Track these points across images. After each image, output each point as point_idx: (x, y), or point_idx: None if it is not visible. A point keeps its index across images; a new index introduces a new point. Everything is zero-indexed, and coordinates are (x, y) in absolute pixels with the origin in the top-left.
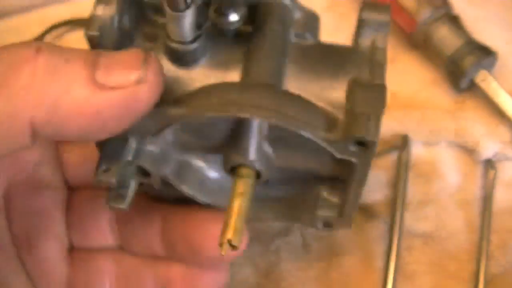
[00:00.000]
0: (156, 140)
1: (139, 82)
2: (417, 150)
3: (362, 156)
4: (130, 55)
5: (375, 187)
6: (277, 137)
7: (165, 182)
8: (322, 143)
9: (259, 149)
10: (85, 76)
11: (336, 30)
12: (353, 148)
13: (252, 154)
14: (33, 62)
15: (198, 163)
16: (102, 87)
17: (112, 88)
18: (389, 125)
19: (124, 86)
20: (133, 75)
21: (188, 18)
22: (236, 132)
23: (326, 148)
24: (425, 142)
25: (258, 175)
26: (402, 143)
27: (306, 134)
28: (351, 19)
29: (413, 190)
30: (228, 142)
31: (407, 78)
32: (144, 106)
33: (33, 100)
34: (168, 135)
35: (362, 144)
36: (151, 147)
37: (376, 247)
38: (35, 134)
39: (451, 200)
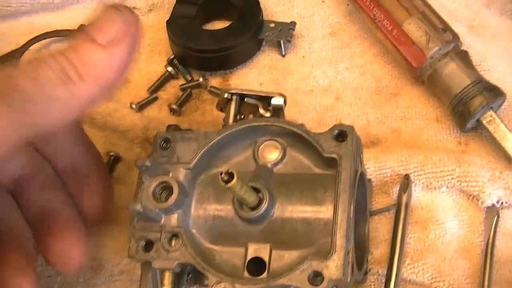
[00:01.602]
0: None
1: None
2: (416, 193)
3: (343, 148)
4: (105, 14)
5: (372, 243)
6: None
7: None
8: (311, 139)
9: None
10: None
11: (337, 59)
12: (335, 142)
13: None
14: None
15: None
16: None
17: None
18: (391, 164)
19: (120, 34)
20: (119, 23)
21: None
22: None
23: (315, 143)
24: (426, 185)
25: None
26: (403, 183)
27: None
28: (352, 47)
29: (410, 237)
30: None
31: (411, 114)
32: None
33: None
34: None
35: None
36: None
37: None
38: None
39: (450, 249)
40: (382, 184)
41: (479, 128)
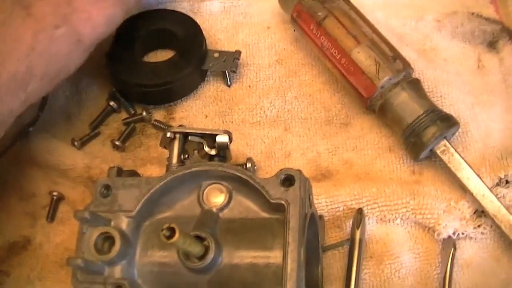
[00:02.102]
0: None
1: None
2: (369, 226)
3: (291, 194)
4: None
5: (326, 281)
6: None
7: None
8: (260, 188)
9: None
10: None
11: (284, 88)
12: (282, 188)
13: None
14: None
15: None
16: None
17: None
18: (343, 198)
19: None
20: None
21: None
22: None
23: (261, 190)
24: (380, 218)
25: None
26: (356, 218)
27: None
28: (300, 75)
29: (366, 273)
30: None
31: (362, 144)
32: None
33: None
34: None
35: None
36: None
37: None
38: None
39: (407, 283)
40: (335, 219)
41: (433, 156)
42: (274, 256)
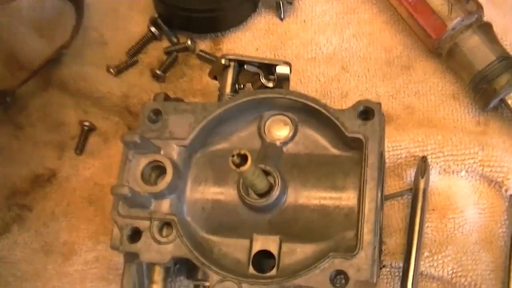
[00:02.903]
0: None
1: None
2: (432, 177)
3: (369, 128)
4: None
5: (387, 230)
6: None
7: None
8: (335, 119)
9: None
10: None
11: (342, 25)
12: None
13: None
14: None
15: None
16: None
17: None
18: (406, 144)
19: None
20: None
21: None
22: None
23: (337, 122)
24: (444, 169)
25: None
26: (420, 166)
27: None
28: (359, 12)
29: (428, 226)
30: None
31: (425, 89)
32: None
33: None
34: None
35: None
36: None
37: None
38: None
39: (471, 240)
40: (396, 166)
41: (500, 108)
42: (346, 197)
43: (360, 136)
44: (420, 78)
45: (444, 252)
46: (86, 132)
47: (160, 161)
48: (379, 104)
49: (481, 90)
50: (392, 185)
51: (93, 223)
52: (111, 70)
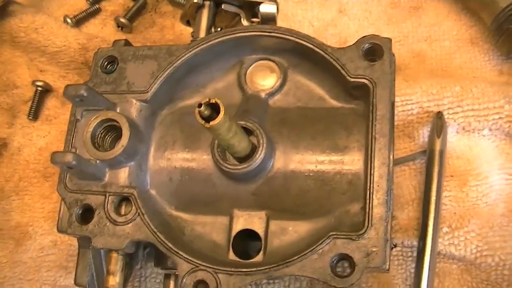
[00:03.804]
0: None
1: None
2: (449, 137)
3: (378, 69)
4: None
5: (397, 202)
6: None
7: None
8: (333, 61)
9: None
10: None
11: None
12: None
13: None
14: None
15: None
16: None
17: None
18: (418, 98)
19: None
20: None
21: None
22: None
23: (336, 65)
24: (463, 127)
25: None
26: (436, 124)
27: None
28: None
29: (445, 196)
30: None
31: (438, 33)
32: None
33: None
34: None
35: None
36: None
37: (398, 278)
38: None
39: (498, 212)
40: (405, 125)
41: None
42: (349, 160)
43: (366, 81)
44: (432, 20)
45: (467, 227)
46: (41, 94)
47: (115, 120)
48: (389, 40)
49: (505, 32)
50: (402, 147)
51: (50, 201)
52: (69, 20)
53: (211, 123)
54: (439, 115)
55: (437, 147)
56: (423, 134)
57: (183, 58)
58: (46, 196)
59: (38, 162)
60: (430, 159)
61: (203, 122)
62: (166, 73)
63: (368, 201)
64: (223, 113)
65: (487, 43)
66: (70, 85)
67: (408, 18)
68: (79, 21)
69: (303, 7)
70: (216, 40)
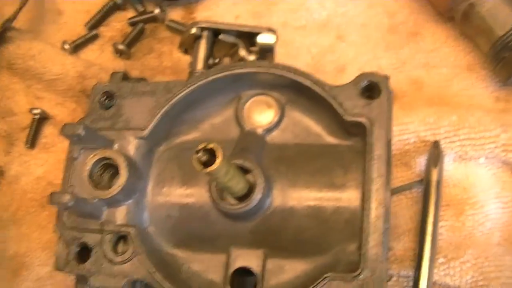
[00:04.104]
0: None
1: None
2: (446, 166)
3: (375, 108)
4: None
5: (394, 232)
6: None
7: None
8: (330, 99)
9: None
10: None
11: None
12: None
13: None
14: None
15: None
16: None
17: None
18: (415, 127)
19: None
20: None
21: None
22: None
23: (333, 103)
24: (459, 156)
25: None
26: (433, 154)
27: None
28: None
29: (442, 226)
30: None
31: (435, 60)
32: None
33: None
34: None
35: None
36: None
37: None
38: None
39: (494, 241)
40: (402, 154)
41: None
42: (346, 198)
43: (363, 120)
44: (430, 47)
45: (462, 257)
46: (38, 121)
47: (111, 158)
48: (387, 77)
49: (502, 60)
50: (399, 176)
51: (47, 231)
52: (66, 46)
53: (209, 168)
54: (436, 144)
55: (434, 177)
56: (420, 163)
57: (180, 95)
58: (43, 226)
59: (36, 191)
60: (427, 190)
61: (200, 167)
62: (164, 110)
63: (364, 242)
64: (220, 159)
65: (484, 69)
66: (67, 124)
67: (406, 44)
68: (77, 47)
69: (302, 33)
70: (214, 77)
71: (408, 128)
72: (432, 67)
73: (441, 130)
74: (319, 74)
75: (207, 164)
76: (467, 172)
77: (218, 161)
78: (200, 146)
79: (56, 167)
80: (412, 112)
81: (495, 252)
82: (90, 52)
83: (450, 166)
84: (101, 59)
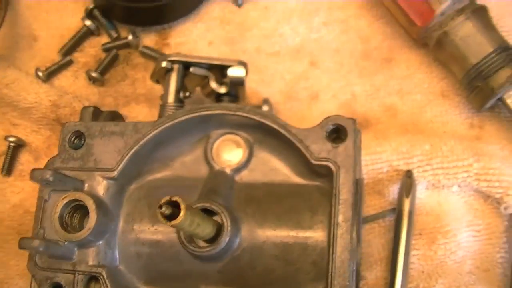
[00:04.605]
0: None
1: None
2: (418, 193)
3: (342, 152)
4: None
5: (366, 261)
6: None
7: None
8: (297, 142)
9: None
10: None
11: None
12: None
13: None
14: None
15: None
16: None
17: None
18: (388, 157)
19: None
20: None
21: None
22: None
23: (300, 147)
24: (432, 184)
25: None
26: (405, 184)
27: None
28: None
29: (414, 255)
30: None
31: (409, 86)
32: None
33: None
34: None
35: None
36: None
37: None
38: None
39: (465, 269)
40: (375, 183)
41: (496, 107)
42: (314, 240)
43: (329, 164)
44: (403, 73)
45: (434, 286)
46: (14, 149)
47: (81, 200)
48: (353, 120)
49: (476, 88)
50: (372, 204)
51: (24, 258)
52: (40, 73)
53: (172, 222)
54: (408, 174)
55: (406, 207)
56: (393, 191)
57: (149, 136)
58: (21, 253)
59: (12, 219)
60: (399, 219)
61: (165, 221)
62: (133, 150)
63: (329, 285)
64: (183, 213)
65: (458, 96)
66: (35, 169)
67: (380, 71)
68: (50, 74)
69: (275, 59)
70: (181, 118)
71: (381, 158)
72: (406, 93)
73: (414, 159)
74: (292, 101)
75: (171, 217)
76: (440, 200)
77: (182, 214)
78: (163, 200)
79: (32, 195)
80: (385, 141)
81: (467, 281)
82: (64, 79)
83: (423, 194)
84: (74, 86)
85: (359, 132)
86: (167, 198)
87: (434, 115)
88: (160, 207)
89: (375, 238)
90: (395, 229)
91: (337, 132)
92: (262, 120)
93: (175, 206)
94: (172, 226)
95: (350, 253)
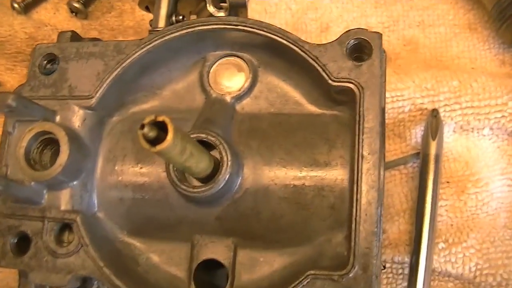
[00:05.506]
0: None
1: None
2: (446, 138)
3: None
4: None
5: (387, 213)
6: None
7: None
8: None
9: None
10: None
11: None
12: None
13: None
14: None
15: None
16: None
17: None
18: (410, 94)
19: None
20: None
21: None
22: None
23: (316, 65)
24: (460, 126)
25: None
26: (431, 124)
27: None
28: None
29: (441, 206)
30: None
31: (432, 18)
32: None
33: None
34: None
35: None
36: None
37: None
38: None
39: (500, 223)
40: (396, 123)
41: None
42: (331, 179)
43: (351, 85)
44: (425, 3)
45: (465, 242)
46: None
47: (52, 133)
48: (379, 34)
49: (508, 20)
50: (392, 149)
51: None
52: (16, 4)
53: (158, 147)
54: (435, 113)
55: (432, 150)
56: (416, 134)
57: (133, 57)
58: None
59: None
60: (424, 165)
61: (148, 146)
62: (114, 74)
63: (353, 232)
64: (172, 135)
65: (487, 29)
66: None
67: (398, 1)
68: (28, 6)
69: None
70: (173, 35)
71: (402, 95)
72: (428, 26)
73: (441, 96)
74: (299, 34)
75: (155, 141)
76: (469, 145)
77: (169, 137)
78: (147, 120)
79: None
80: (407, 77)
81: (502, 236)
82: (44, 11)
83: (450, 138)
84: (55, 19)
85: (385, 52)
86: (151, 117)
87: (460, 50)
88: (142, 127)
89: (396, 187)
90: (420, 175)
91: (358, 50)
92: (269, 34)
93: (162, 129)
94: (157, 153)
95: (378, 193)
